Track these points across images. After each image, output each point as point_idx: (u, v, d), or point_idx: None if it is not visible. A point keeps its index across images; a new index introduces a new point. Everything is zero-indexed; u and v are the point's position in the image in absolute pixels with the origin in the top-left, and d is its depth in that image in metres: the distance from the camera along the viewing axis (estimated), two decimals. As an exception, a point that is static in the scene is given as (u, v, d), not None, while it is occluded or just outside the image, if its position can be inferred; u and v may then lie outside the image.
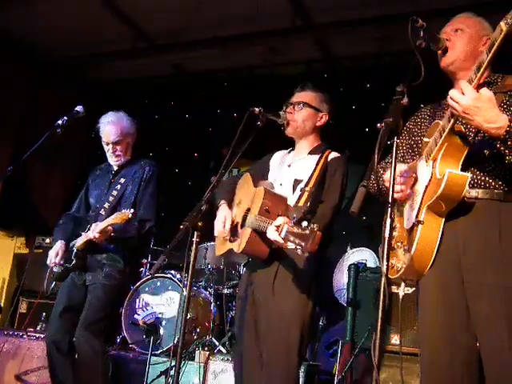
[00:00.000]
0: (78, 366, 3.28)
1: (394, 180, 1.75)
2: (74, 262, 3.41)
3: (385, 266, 1.68)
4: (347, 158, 2.84)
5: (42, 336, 4.22)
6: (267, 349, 2.58)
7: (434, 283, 2.05)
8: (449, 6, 4.42)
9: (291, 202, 2.67)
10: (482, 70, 1.85)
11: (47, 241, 5.59)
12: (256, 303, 2.68)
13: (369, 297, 3.47)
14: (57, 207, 6.41)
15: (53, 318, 3.39)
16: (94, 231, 3.26)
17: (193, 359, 3.92)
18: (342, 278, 4.70)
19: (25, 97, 6.70)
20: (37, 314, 5.20)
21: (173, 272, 4.78)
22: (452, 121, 1.95)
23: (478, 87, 1.88)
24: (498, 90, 2.08)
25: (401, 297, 2.24)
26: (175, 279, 4.65)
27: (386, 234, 1.71)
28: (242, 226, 2.73)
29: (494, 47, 1.82)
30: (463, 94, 1.86)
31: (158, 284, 4.71)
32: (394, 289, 2.84)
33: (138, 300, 4.68)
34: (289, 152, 2.99)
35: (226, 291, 4.92)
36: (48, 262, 3.47)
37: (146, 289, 4.71)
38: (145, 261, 5.28)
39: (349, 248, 5.03)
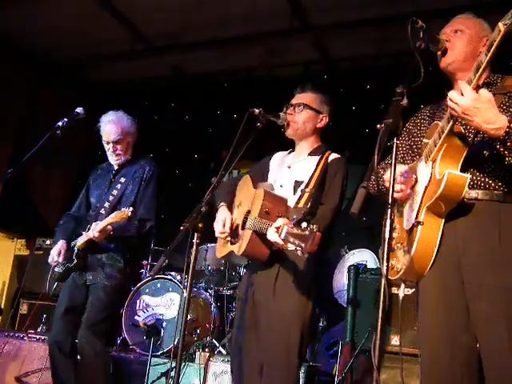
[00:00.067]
0: (80, 367, 3.29)
1: (393, 180, 1.75)
2: (75, 261, 3.41)
3: (385, 267, 1.68)
4: (347, 159, 2.84)
5: (43, 338, 4.22)
6: (267, 349, 2.58)
7: (434, 284, 2.05)
8: (449, 6, 4.43)
9: (292, 203, 2.67)
10: (480, 70, 1.85)
11: (48, 242, 5.58)
12: (256, 304, 2.69)
13: (369, 298, 3.47)
14: (57, 208, 6.39)
15: (55, 318, 3.40)
16: (93, 230, 3.27)
17: (193, 360, 3.92)
18: (342, 279, 4.69)
19: (25, 97, 6.68)
20: (37, 316, 5.20)
21: (173, 273, 4.78)
22: (451, 122, 1.95)
23: (478, 88, 1.88)
24: (498, 90, 2.08)
25: (401, 298, 2.25)
26: (176, 280, 4.65)
27: (386, 235, 1.71)
28: (243, 228, 2.73)
29: (493, 48, 1.81)
30: (462, 94, 1.86)
31: (159, 285, 4.72)
32: (394, 290, 2.84)
33: (138, 301, 4.69)
34: (288, 153, 2.99)
35: (226, 292, 4.92)
36: (50, 260, 3.48)
37: (147, 290, 4.72)
38: (145, 262, 5.28)
39: (344, 251, 4.99)
